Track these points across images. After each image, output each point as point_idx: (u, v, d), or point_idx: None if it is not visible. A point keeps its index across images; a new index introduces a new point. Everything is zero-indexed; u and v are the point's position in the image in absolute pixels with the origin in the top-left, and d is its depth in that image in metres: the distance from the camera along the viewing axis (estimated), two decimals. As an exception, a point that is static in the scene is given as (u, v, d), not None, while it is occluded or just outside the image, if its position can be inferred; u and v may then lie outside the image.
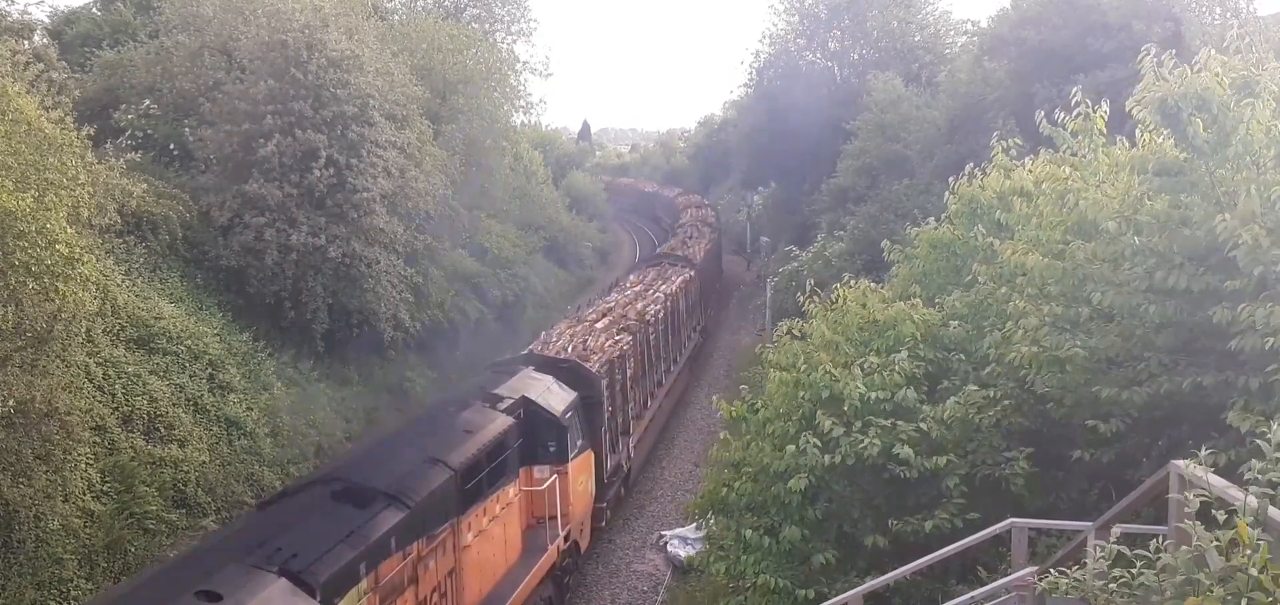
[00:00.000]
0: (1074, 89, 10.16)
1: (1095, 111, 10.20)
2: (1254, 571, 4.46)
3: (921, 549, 9.29)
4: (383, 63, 24.97)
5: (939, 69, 37.97)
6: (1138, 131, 9.15)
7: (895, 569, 9.11)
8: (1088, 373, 9.07)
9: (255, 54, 22.89)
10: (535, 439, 15.00)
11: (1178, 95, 8.03)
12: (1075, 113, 10.21)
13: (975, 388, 10.58)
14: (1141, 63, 8.77)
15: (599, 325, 21.78)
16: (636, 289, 27.53)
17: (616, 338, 20.79)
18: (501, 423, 13.94)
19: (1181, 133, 8.15)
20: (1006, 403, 10.25)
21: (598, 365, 18.50)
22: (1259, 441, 5.60)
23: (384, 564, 10.40)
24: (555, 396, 15.86)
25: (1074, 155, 11.31)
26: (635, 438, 21.31)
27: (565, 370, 17.29)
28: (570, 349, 19.36)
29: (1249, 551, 4.55)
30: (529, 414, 14.96)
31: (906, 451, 9.86)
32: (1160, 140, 8.73)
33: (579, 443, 16.16)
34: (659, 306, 25.33)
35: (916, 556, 8.96)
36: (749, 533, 10.90)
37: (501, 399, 14.77)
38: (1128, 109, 8.98)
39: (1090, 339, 9.03)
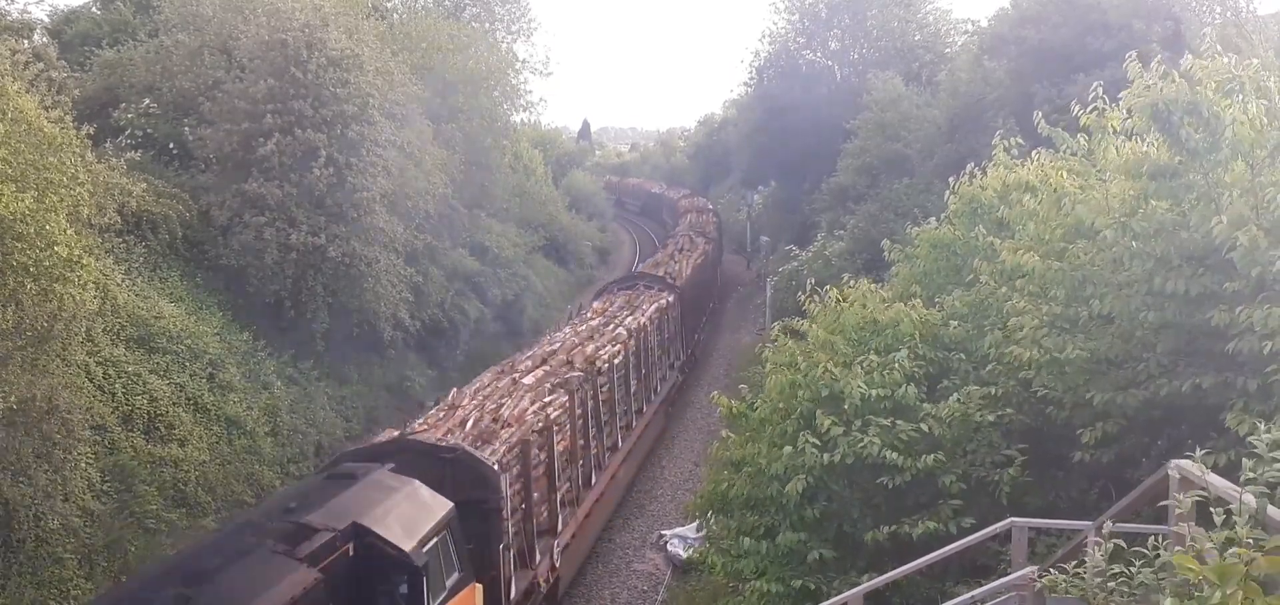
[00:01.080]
0: (1095, 85, 10.12)
1: (1111, 109, 10.18)
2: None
3: (921, 549, 9.29)
4: (382, 62, 24.98)
5: (939, 68, 37.96)
6: (1139, 130, 9.14)
7: (895, 569, 9.11)
8: (1087, 374, 9.06)
9: (255, 53, 22.90)
10: (371, 589, 9.99)
11: (1167, 99, 8.04)
12: (1090, 107, 10.19)
13: (975, 387, 10.57)
14: (1128, 69, 8.78)
15: (529, 379, 16.77)
16: (595, 322, 22.73)
17: (546, 401, 15.92)
18: (290, 586, 8.56)
19: (1174, 136, 8.17)
20: (1007, 410, 10.21)
21: (502, 450, 13.47)
22: (1254, 439, 5.60)
23: None
24: (413, 516, 10.71)
25: (1075, 154, 11.32)
26: (566, 538, 15.95)
27: (444, 465, 12.32)
28: (470, 425, 14.12)
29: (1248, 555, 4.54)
30: (363, 552, 9.93)
31: (892, 455, 9.83)
32: (1151, 145, 8.73)
33: (452, 579, 10.97)
34: (619, 347, 20.67)
35: (916, 556, 8.96)
36: (747, 540, 10.89)
37: (313, 533, 9.46)
38: (1125, 107, 8.99)
39: (1090, 341, 9.02)
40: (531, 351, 19.69)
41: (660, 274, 30.49)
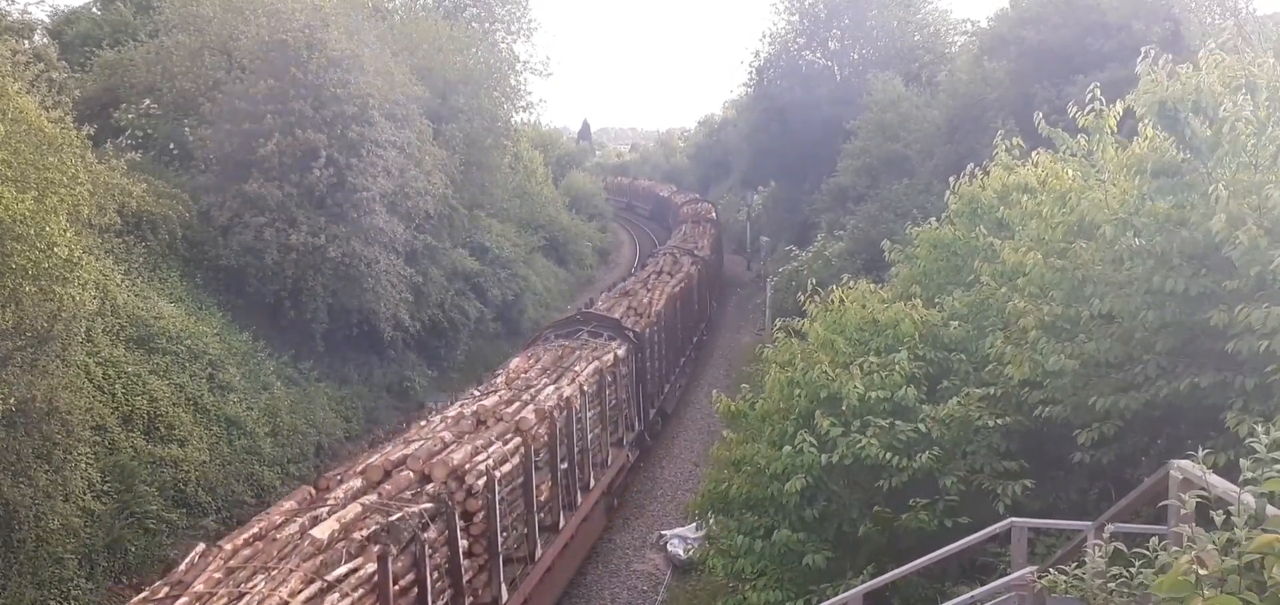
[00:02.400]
0: (1093, 86, 10.15)
1: (1109, 109, 10.20)
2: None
3: (920, 549, 9.29)
4: (383, 62, 25.01)
5: (939, 68, 37.97)
6: (1141, 126, 9.15)
7: (894, 569, 9.10)
8: (1083, 380, 9.05)
9: (255, 53, 22.92)
10: None
11: (1175, 97, 8.04)
12: (1089, 109, 10.21)
13: (975, 389, 10.55)
14: (1141, 66, 8.79)
15: (322, 531, 9.98)
16: (492, 401, 15.47)
17: (330, 579, 9.39)
18: None
19: (1180, 133, 8.17)
20: (1005, 420, 10.19)
21: None
22: (1253, 442, 5.60)
23: None
24: None
25: (1075, 155, 11.33)
26: None
27: None
28: None
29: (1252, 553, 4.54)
30: None
31: (885, 454, 9.82)
32: (1158, 140, 8.73)
33: None
34: (515, 443, 13.83)
35: (915, 556, 8.96)
36: (740, 537, 10.90)
37: None
38: (1128, 105, 9.00)
39: (1089, 342, 9.03)
40: (374, 458, 12.72)
41: (616, 316, 23.33)
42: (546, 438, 15.17)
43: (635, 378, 21.79)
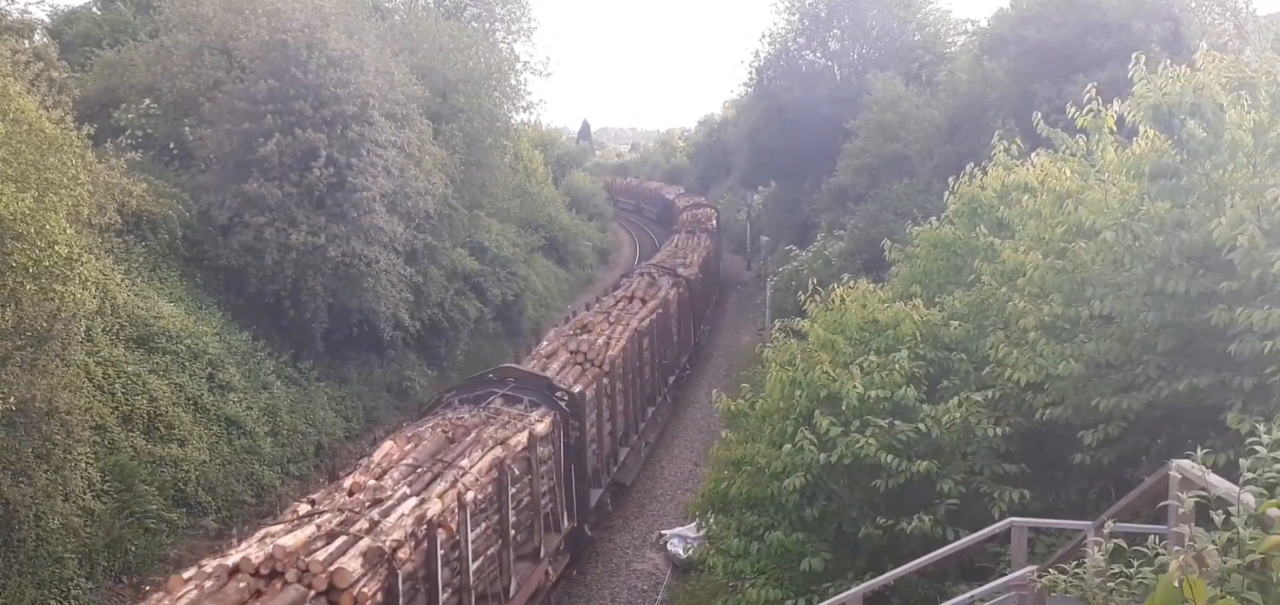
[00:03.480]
0: (1089, 86, 10.16)
1: (1107, 110, 10.20)
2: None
3: (920, 549, 9.29)
4: (383, 62, 24.99)
5: (939, 68, 37.96)
6: (1141, 129, 9.15)
7: (894, 569, 9.10)
8: (1085, 382, 9.05)
9: (255, 53, 22.92)
10: None
11: (1171, 101, 8.05)
12: (1086, 109, 10.22)
13: (976, 395, 10.51)
14: (1133, 72, 8.80)
15: None
16: (319, 524, 10.14)
17: None
18: None
19: (1177, 136, 8.18)
20: (1005, 428, 10.17)
21: None
22: (1255, 443, 5.60)
23: None
24: None
25: (1074, 155, 11.33)
26: None
27: None
28: None
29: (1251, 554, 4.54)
30: None
31: (885, 457, 9.82)
32: (1158, 142, 8.73)
33: None
34: None
35: (914, 556, 8.96)
36: (736, 540, 10.90)
37: None
38: (1124, 114, 9.02)
39: (1089, 342, 9.02)
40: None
41: (555, 366, 18.38)
42: (381, 597, 9.83)
43: (566, 457, 16.34)
